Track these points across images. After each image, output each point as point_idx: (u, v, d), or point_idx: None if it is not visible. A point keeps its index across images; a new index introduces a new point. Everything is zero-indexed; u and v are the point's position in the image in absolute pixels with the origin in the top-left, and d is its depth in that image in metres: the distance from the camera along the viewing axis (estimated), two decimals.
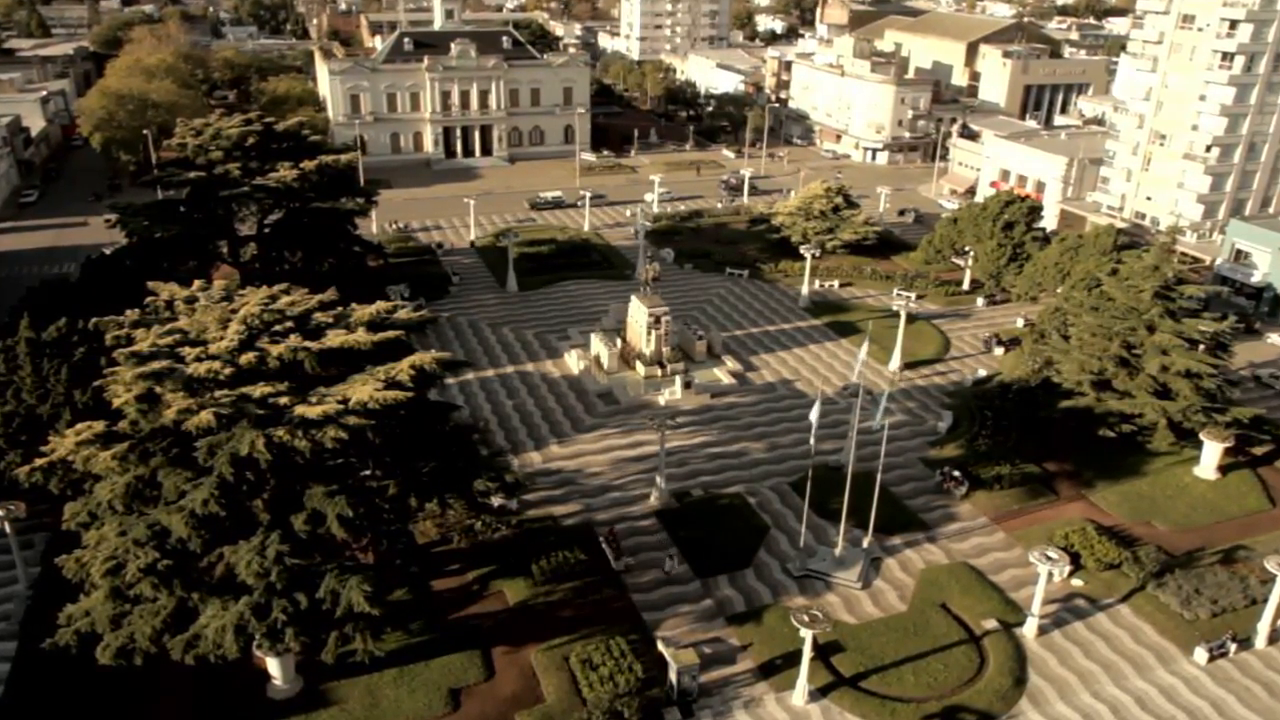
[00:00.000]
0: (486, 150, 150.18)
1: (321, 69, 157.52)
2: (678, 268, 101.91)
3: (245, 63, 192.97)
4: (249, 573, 38.64)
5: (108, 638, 39.96)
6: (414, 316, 47.88)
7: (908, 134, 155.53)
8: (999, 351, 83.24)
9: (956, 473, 62.42)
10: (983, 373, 78.15)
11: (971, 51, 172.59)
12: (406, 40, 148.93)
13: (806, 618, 42.96)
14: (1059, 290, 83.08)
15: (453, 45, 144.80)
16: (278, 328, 43.19)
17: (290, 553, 39.24)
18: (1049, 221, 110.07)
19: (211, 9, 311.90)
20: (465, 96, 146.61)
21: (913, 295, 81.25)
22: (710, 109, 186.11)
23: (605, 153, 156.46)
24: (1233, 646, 48.83)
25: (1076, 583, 53.59)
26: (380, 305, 46.85)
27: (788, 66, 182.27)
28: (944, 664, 47.49)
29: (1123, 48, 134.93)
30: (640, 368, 75.74)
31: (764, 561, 54.77)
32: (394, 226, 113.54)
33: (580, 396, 73.30)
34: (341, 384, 41.47)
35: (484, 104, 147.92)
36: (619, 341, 78.68)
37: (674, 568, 52.92)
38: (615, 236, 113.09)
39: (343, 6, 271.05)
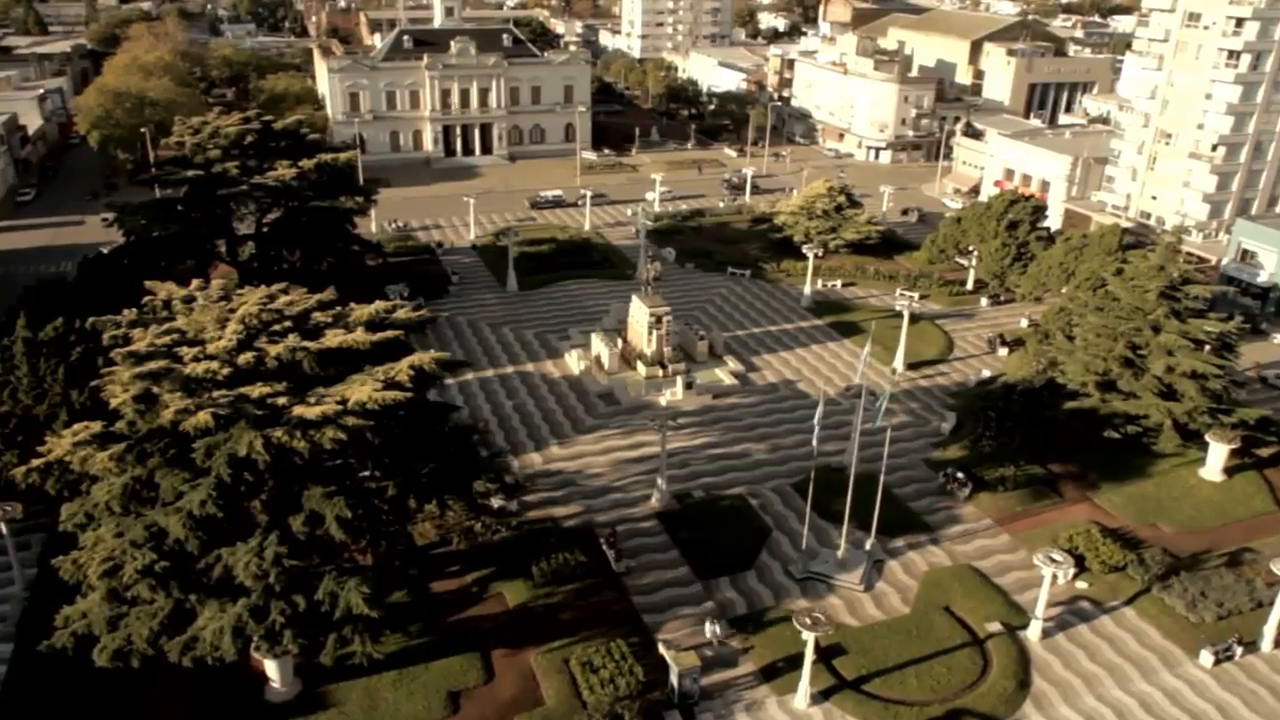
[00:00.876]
0: (486, 149, 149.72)
1: (320, 67, 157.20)
2: (679, 267, 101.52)
3: (244, 60, 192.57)
4: (247, 574, 38.28)
5: (105, 639, 39.61)
6: (413, 316, 47.42)
7: (911, 132, 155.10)
8: (1003, 352, 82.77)
9: (960, 474, 62.05)
10: (987, 373, 77.80)
11: (975, 49, 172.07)
12: (406, 38, 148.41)
13: (809, 620, 42.61)
14: (1063, 290, 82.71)
15: (452, 43, 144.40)
16: (276, 327, 42.80)
17: (288, 554, 38.90)
18: (1053, 221, 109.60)
19: (210, 6, 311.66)
20: (465, 95, 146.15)
21: (916, 295, 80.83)
22: (712, 107, 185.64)
23: (606, 151, 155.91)
24: (1238, 650, 48.48)
25: (1081, 585, 53.19)
26: (379, 305, 46.43)
27: (790, 64, 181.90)
28: (947, 667, 47.14)
29: (1128, 46, 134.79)
30: (641, 368, 75.34)
31: (766, 563, 54.41)
32: (393, 225, 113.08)
33: (581, 397, 72.89)
34: (340, 384, 41.08)
35: (484, 102, 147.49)
36: (620, 341, 78.27)
37: (717, 635, 47.94)
38: (616, 236, 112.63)
39: (342, 4, 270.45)
